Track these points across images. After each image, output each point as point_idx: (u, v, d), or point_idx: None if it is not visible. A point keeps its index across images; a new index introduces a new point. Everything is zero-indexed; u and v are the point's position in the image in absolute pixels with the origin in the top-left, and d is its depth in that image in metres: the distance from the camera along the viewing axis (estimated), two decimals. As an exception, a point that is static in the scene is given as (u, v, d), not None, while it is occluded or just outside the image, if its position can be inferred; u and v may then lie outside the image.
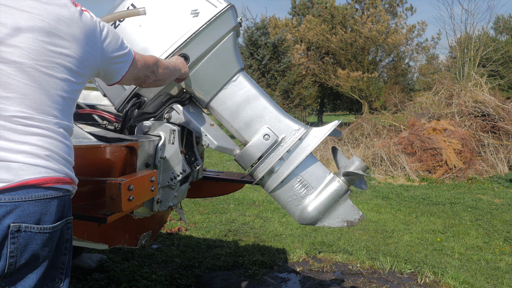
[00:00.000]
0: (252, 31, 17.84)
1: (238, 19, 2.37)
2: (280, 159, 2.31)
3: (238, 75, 2.37)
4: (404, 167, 9.45)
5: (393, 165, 9.56)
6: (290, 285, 3.81)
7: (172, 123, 2.36)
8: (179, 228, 5.09)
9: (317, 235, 5.20)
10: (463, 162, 9.50)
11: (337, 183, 2.35)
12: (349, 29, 27.21)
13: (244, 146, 2.36)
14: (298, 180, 2.35)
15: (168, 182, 2.28)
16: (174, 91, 2.37)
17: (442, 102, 11.85)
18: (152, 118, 2.37)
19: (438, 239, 5.32)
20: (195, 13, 2.19)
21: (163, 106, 2.39)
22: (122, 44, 1.60)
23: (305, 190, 2.36)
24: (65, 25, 1.35)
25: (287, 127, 2.36)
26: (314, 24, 27.34)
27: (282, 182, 2.34)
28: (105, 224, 1.72)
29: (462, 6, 29.79)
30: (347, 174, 2.36)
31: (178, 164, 2.28)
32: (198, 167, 2.59)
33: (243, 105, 2.37)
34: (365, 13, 27.00)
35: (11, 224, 1.21)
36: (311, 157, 2.39)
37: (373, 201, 7.33)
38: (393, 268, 4.22)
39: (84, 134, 1.85)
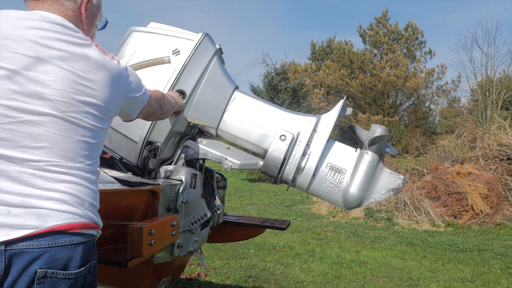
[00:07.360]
0: (272, 76, 18.12)
1: (217, 45, 2.51)
2: (303, 154, 2.34)
3: (235, 93, 2.47)
4: (429, 212, 9.21)
5: (417, 210, 9.33)
6: (313, 335, 3.66)
7: (191, 166, 2.39)
8: (198, 274, 5.01)
9: (339, 282, 5.04)
10: (490, 207, 9.21)
11: (367, 155, 2.33)
12: (368, 74, 27.47)
13: (265, 155, 2.39)
14: (328, 167, 2.35)
15: (189, 227, 2.28)
16: (182, 129, 2.45)
17: (465, 145, 11.66)
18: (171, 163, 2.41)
19: (467, 288, 5.09)
20: (177, 52, 2.36)
21: (177, 148, 2.45)
22: (141, 86, 1.69)
23: (339, 175, 2.35)
24: (93, 74, 1.41)
25: (298, 123, 2.41)
26: (332, 69, 27.73)
27: (313, 175, 2.35)
28: (126, 268, 1.72)
29: (482, 50, 29.52)
30: (372, 142, 2.32)
31: (199, 209, 2.29)
32: (218, 212, 2.59)
33: (250, 118, 2.44)
34: (384, 58, 27.30)
35: (38, 270, 1.24)
36: (331, 142, 2.41)
37: (397, 247, 7.11)
38: (421, 318, 4.03)
39: (108, 178, 1.89)
